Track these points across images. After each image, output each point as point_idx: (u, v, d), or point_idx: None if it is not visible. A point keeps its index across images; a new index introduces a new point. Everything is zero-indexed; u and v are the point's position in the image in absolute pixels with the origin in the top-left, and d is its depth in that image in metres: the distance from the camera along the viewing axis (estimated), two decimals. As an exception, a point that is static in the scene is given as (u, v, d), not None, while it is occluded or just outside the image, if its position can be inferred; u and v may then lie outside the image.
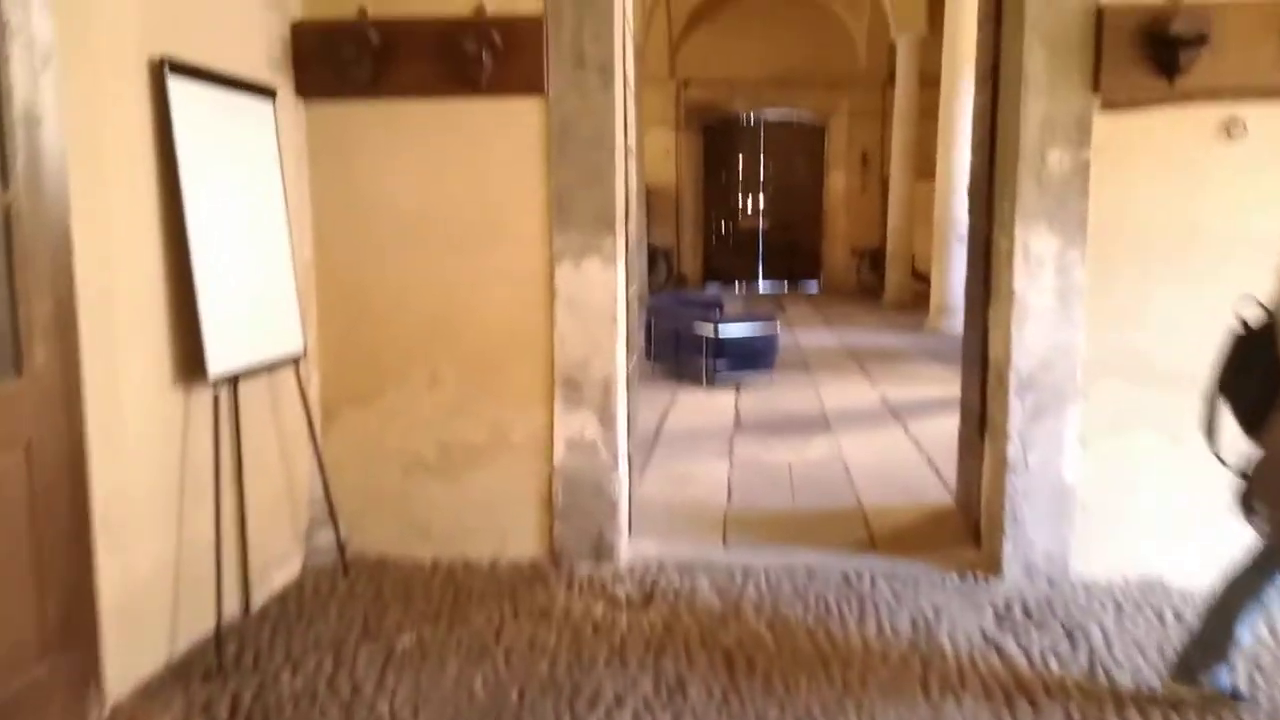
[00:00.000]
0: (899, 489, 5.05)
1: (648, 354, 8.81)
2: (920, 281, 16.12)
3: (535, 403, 3.85)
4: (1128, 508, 3.63)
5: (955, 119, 11.03)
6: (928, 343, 10.57)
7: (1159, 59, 3.31)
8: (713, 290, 18.92)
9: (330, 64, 3.65)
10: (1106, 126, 3.43)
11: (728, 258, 20.19)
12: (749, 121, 19.92)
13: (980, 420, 3.95)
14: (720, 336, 7.83)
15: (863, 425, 6.59)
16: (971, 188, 4.25)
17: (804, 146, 19.84)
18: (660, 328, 8.54)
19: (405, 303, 3.85)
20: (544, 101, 3.69)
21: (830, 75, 18.52)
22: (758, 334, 8.01)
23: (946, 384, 8.01)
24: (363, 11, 3.63)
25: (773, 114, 19.68)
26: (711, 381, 7.96)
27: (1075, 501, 3.64)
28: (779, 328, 8.13)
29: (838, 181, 19.26)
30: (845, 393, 7.77)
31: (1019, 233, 3.51)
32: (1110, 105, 3.41)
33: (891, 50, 17.30)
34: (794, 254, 19.89)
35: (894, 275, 15.26)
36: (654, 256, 17.35)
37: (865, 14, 18.03)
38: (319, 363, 3.91)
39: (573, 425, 3.83)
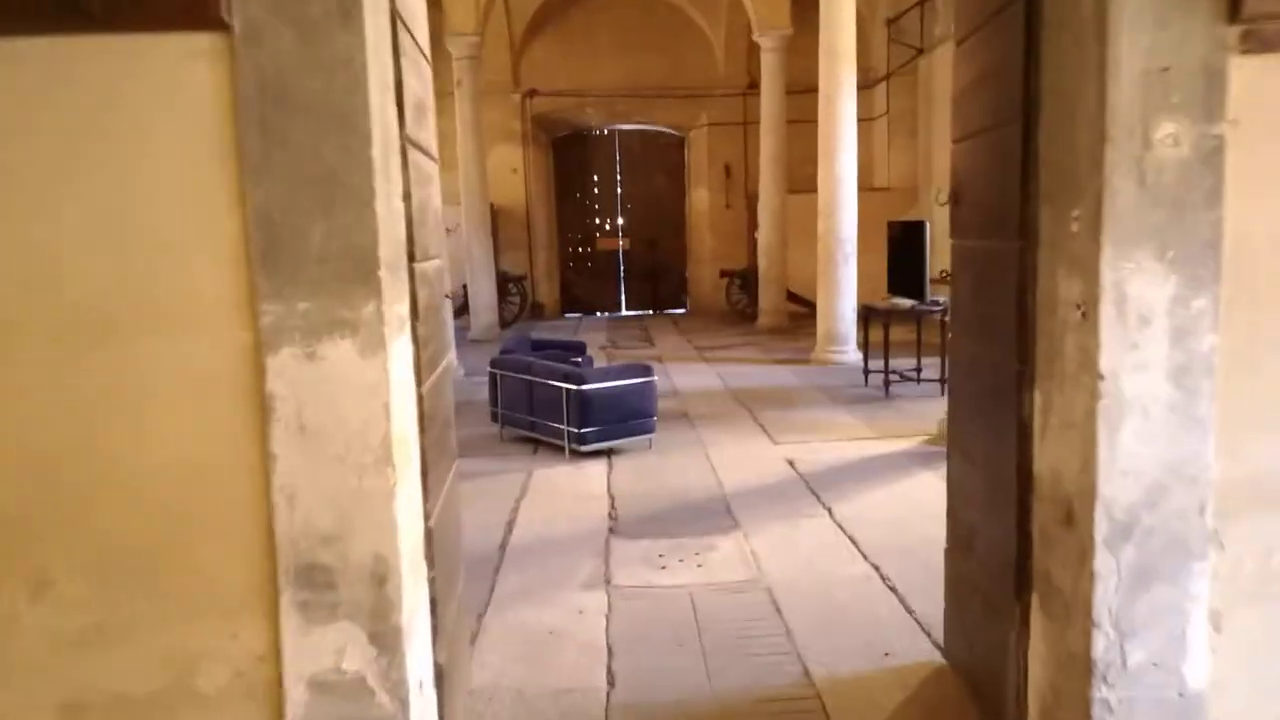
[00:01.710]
0: (854, 633, 3.47)
1: (493, 417, 7.03)
2: (796, 304, 14.95)
3: (243, 613, 2.05)
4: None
5: (838, 122, 9.77)
6: (820, 378, 9.21)
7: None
8: (574, 317, 17.26)
9: None
10: (1252, 79, 1.94)
11: (587, 283, 18.58)
12: (603, 135, 18.43)
13: (1019, 572, 2.40)
14: (585, 395, 6.14)
15: (775, 511, 5.02)
16: (969, 190, 2.74)
17: (663, 161, 18.49)
18: (509, 384, 6.78)
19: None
20: (225, 42, 1.92)
21: (687, 84, 17.24)
22: (631, 388, 6.36)
23: (858, 437, 6.65)
24: None
25: (628, 127, 18.26)
26: (577, 451, 6.26)
27: None
28: (654, 375, 6.52)
29: (701, 198, 17.98)
30: (742, 456, 6.22)
31: (1105, 268, 1.98)
32: (1258, 44, 1.93)
33: (751, 56, 16.17)
34: (658, 276, 18.49)
35: (769, 298, 13.99)
36: (505, 286, 15.54)
37: (722, 18, 16.86)
38: None
39: (320, 650, 2.05)
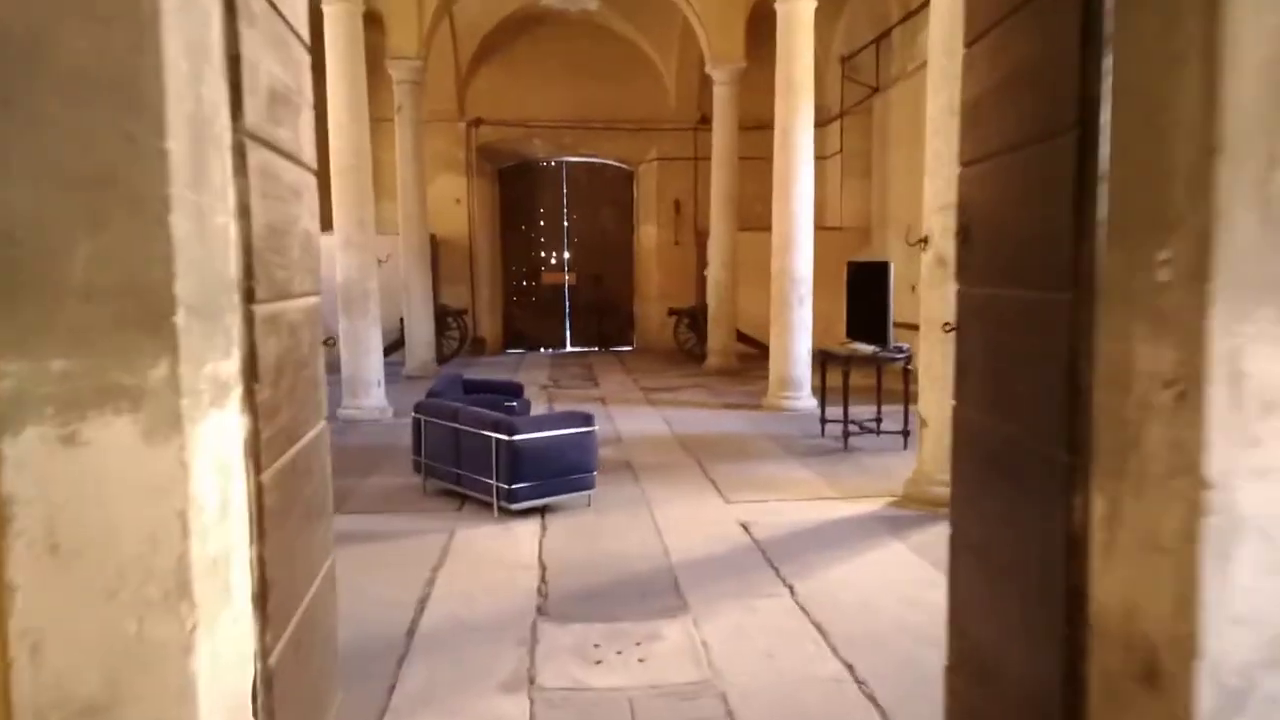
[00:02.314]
0: (828, 759, 2.86)
1: (416, 467, 6.33)
2: (747, 345, 14.47)
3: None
4: None
5: (794, 157, 9.33)
6: (773, 426, 8.65)
7: None
8: (517, 353, 16.49)
9: None
10: None
11: (531, 318, 17.92)
12: (550, 166, 17.89)
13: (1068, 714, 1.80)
14: (516, 446, 5.48)
15: (729, 587, 4.39)
16: (987, 224, 2.18)
17: (611, 194, 18.00)
18: (434, 431, 6.08)
19: None
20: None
21: (637, 118, 16.82)
22: (569, 439, 5.72)
23: (818, 496, 6.08)
24: None
25: (576, 159, 17.75)
26: (506, 510, 5.58)
27: None
28: (595, 425, 5.88)
29: (649, 234, 17.50)
30: (691, 517, 5.60)
31: (1214, 333, 1.42)
32: None
33: (703, 90, 15.80)
34: (605, 313, 17.92)
35: (718, 338, 13.48)
36: (444, 320, 14.81)
37: (674, 51, 16.51)
38: None
39: None
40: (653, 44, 16.67)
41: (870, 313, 7.66)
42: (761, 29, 13.73)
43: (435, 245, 15.42)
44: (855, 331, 7.96)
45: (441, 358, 14.35)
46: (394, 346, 14.04)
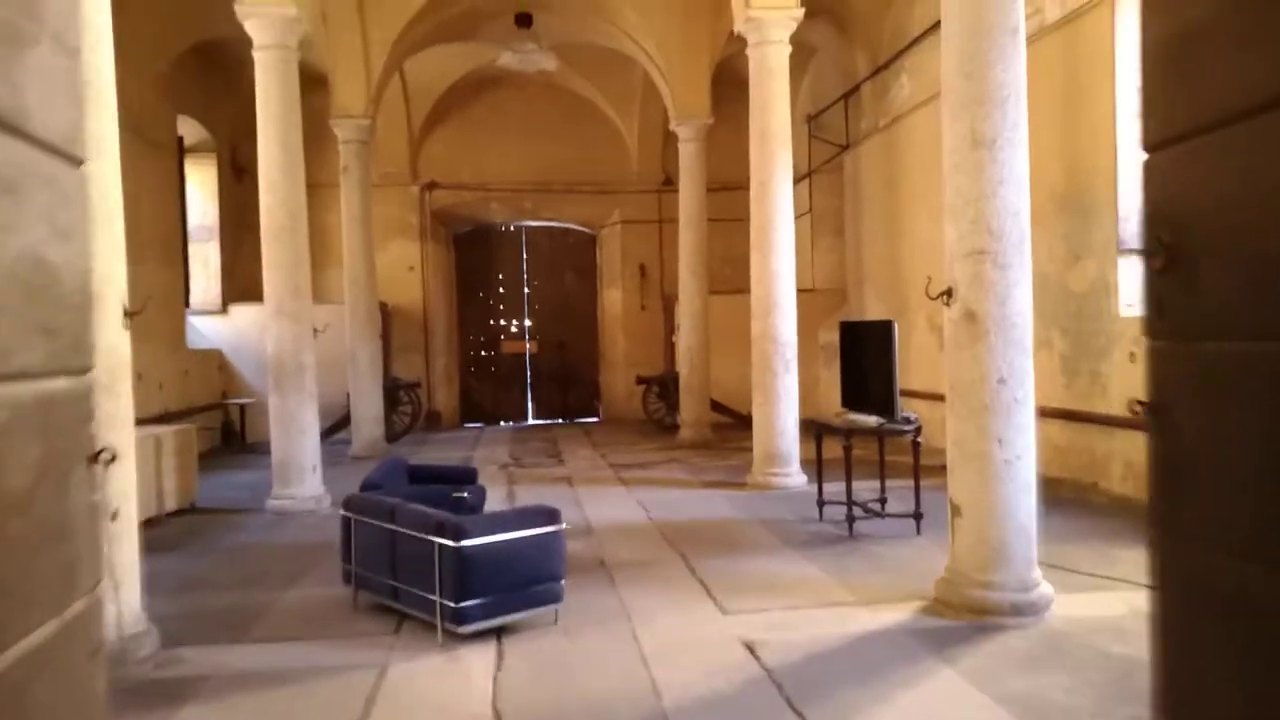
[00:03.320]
0: None
1: (347, 577, 5.24)
2: (724, 415, 13.55)
3: None
4: None
5: (772, 211, 8.53)
6: (763, 508, 7.67)
7: None
8: (474, 427, 15.28)
9: None
10: None
11: (490, 390, 16.88)
12: (509, 231, 17.05)
13: None
14: (465, 554, 4.43)
15: (743, 742, 3.36)
16: (1210, 239, 1.27)
17: (574, 259, 17.17)
18: (366, 532, 5.02)
19: None
20: None
21: (599, 180, 16.11)
22: (530, 543, 4.68)
23: (832, 601, 4.91)
24: None
25: (536, 223, 16.95)
26: (453, 633, 4.51)
27: None
28: (562, 524, 4.86)
29: (614, 299, 16.66)
30: (683, 637, 4.56)
31: None
32: None
33: (667, 151, 15.15)
34: (569, 382, 16.94)
35: (691, 408, 12.53)
36: (395, 394, 13.74)
37: (635, 111, 15.88)
38: None
39: None
40: (613, 104, 16.05)
41: (871, 379, 6.78)
42: (726, 88, 13.17)
43: (386, 314, 14.43)
44: (853, 400, 7.06)
45: (392, 435, 13.23)
46: (341, 424, 12.93)
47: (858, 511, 6.68)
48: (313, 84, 11.52)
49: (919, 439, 6.55)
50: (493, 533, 4.58)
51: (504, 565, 4.56)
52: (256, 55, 8.07)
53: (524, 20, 12.60)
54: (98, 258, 4.04)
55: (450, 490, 5.81)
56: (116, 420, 4.18)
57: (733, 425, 13.42)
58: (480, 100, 15.93)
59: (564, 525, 4.84)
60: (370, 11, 11.63)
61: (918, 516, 6.55)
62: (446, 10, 12.01)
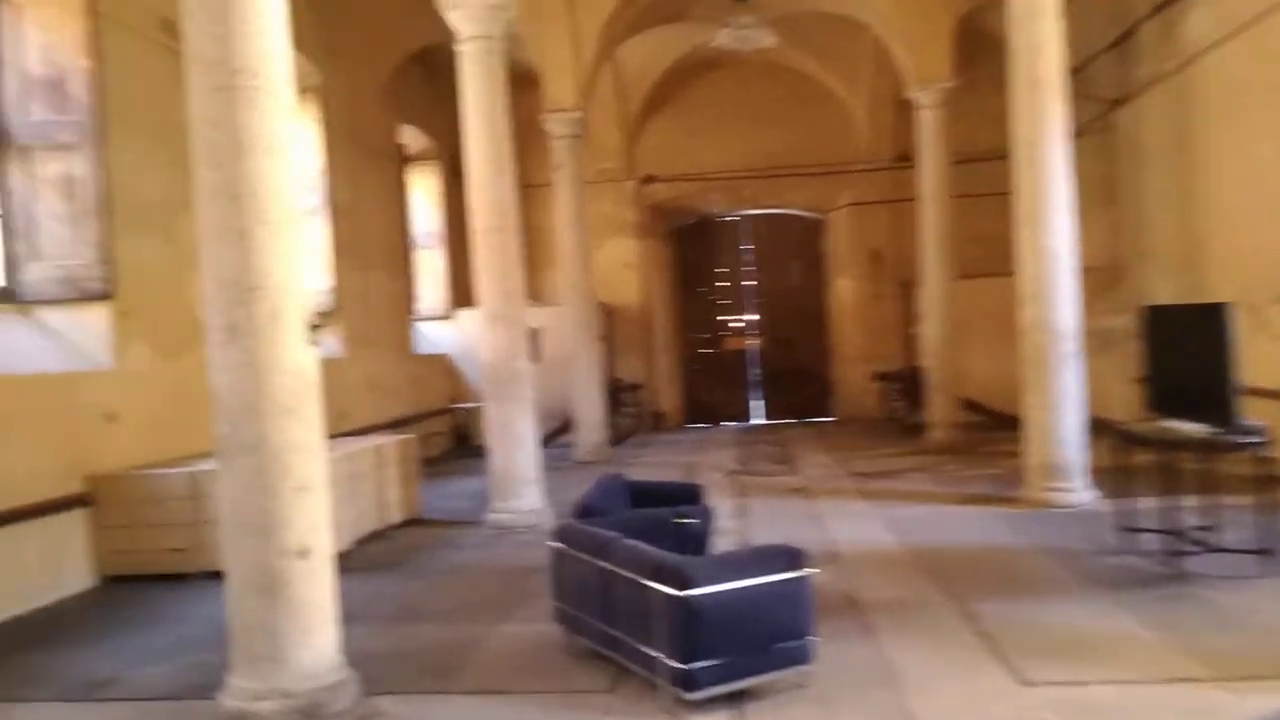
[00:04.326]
0: None
1: (559, 615, 4.59)
2: (979, 414, 12.06)
3: None
4: None
5: (1045, 175, 7.13)
6: (1045, 533, 6.35)
7: None
8: (699, 428, 14.50)
9: None
10: None
11: (714, 389, 16.13)
12: (729, 222, 16.24)
13: None
14: (694, 604, 3.62)
15: None
16: None
17: (799, 248, 16.08)
18: (578, 568, 4.34)
19: None
20: None
21: (825, 161, 14.90)
22: (769, 591, 3.80)
23: (1173, 676, 3.51)
24: None
25: (758, 211, 16.02)
26: (682, 699, 3.71)
27: None
28: (808, 567, 3.94)
29: (845, 288, 15.43)
30: (974, 717, 3.52)
31: None
32: None
33: (899, 124, 13.71)
34: (797, 380, 15.86)
35: (939, 407, 11.18)
36: (617, 396, 13.31)
37: (865, 83, 14.56)
38: None
39: None
40: (840, 78, 14.82)
41: (1192, 377, 5.35)
42: (967, 47, 11.69)
43: (608, 315, 14.06)
44: (1164, 403, 5.64)
45: (617, 438, 12.80)
46: (566, 427, 12.67)
47: (1182, 542, 5.27)
48: (524, 84, 11.23)
49: (1267, 454, 5.06)
50: (723, 579, 3.73)
51: (739, 619, 3.71)
52: (463, 49, 7.70)
53: (741, -8, 11.74)
54: (274, 265, 3.58)
55: (673, 516, 5.04)
56: (303, 448, 3.71)
57: (986, 426, 11.89)
58: (695, 86, 15.22)
59: (809, 571, 3.92)
60: (579, -2, 11.18)
61: (1264, 551, 5.07)
62: (658, -11, 11.38)
